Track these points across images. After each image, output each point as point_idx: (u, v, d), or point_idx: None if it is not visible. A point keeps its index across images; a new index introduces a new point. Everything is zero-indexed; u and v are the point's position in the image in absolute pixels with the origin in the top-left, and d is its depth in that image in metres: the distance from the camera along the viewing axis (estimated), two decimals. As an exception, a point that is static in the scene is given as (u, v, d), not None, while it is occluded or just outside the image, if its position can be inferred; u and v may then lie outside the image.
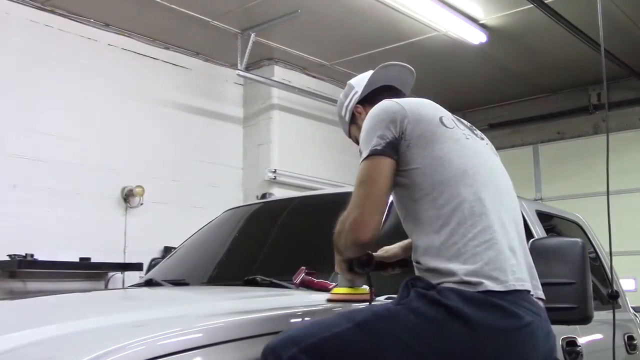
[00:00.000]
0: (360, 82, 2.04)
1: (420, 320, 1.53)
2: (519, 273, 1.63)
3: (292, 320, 1.73)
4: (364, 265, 1.85)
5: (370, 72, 2.05)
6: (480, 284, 1.55)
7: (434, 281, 1.59)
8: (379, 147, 1.68)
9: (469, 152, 1.75)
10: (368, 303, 1.82)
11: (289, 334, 1.56)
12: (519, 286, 1.60)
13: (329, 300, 1.91)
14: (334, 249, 1.81)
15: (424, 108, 1.78)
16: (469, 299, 1.53)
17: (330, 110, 6.92)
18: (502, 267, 1.59)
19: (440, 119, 1.77)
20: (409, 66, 2.06)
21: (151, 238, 5.51)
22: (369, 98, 1.98)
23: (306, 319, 1.76)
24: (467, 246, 1.60)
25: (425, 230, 1.66)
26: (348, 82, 2.09)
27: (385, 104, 1.78)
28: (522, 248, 1.72)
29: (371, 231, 1.66)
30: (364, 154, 1.71)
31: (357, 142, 1.95)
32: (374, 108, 1.80)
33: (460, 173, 1.68)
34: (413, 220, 1.70)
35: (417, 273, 1.70)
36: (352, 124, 2.04)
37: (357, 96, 2.01)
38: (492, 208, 1.67)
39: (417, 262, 1.68)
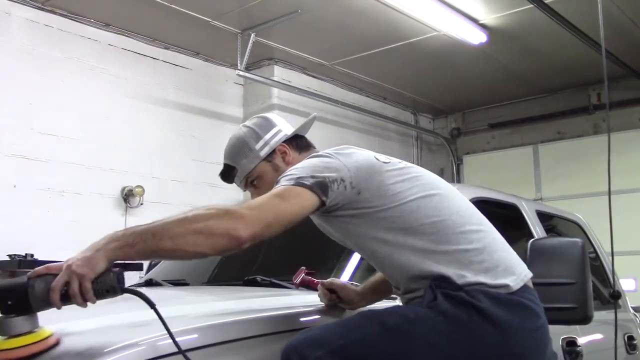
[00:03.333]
0: (279, 121, 1.95)
1: (450, 322, 1.52)
2: (522, 263, 1.70)
3: (293, 321, 1.73)
4: (123, 283, 1.38)
5: (274, 115, 1.99)
6: (506, 286, 1.58)
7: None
8: (306, 182, 1.56)
9: (418, 175, 1.72)
10: (54, 347, 1.33)
11: (312, 334, 1.52)
12: (528, 274, 1.67)
13: None
14: (117, 249, 1.38)
15: (356, 154, 1.71)
16: (498, 300, 1.55)
17: (331, 110, 6.93)
18: (510, 264, 1.64)
19: (375, 157, 1.72)
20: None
21: (151, 238, 5.50)
22: (293, 141, 1.92)
23: (311, 318, 1.75)
24: (472, 257, 1.60)
25: (414, 261, 1.59)
26: (261, 115, 1.98)
27: (318, 157, 1.69)
28: (505, 242, 1.74)
29: (257, 235, 1.44)
30: (286, 183, 1.57)
31: (251, 184, 1.88)
32: (307, 159, 1.70)
33: (425, 197, 1.66)
34: (391, 256, 1.62)
35: (405, 302, 1.66)
36: (267, 161, 1.87)
37: (282, 134, 1.90)
38: (469, 216, 1.70)
39: (413, 290, 1.62)
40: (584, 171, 7.19)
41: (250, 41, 5.84)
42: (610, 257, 2.90)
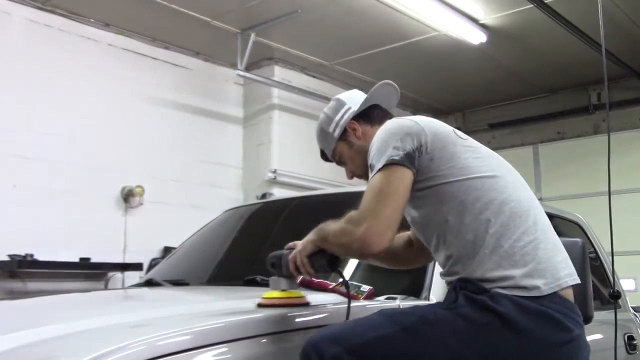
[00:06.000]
0: (352, 98, 1.99)
1: (470, 327, 1.50)
2: (568, 268, 1.66)
3: (292, 321, 1.72)
4: (334, 265, 1.74)
5: (356, 90, 2.05)
6: (536, 288, 1.55)
7: (486, 286, 1.56)
8: (396, 157, 1.63)
9: (489, 157, 1.77)
10: (305, 306, 1.78)
11: (330, 331, 1.54)
12: (570, 281, 1.63)
13: (260, 306, 1.75)
14: (318, 240, 1.71)
15: (436, 122, 1.77)
16: (522, 307, 1.52)
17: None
18: (552, 266, 1.61)
19: (454, 131, 1.78)
20: (396, 86, 2.07)
21: (151, 238, 5.50)
22: (364, 115, 1.95)
23: (311, 318, 1.75)
24: (515, 248, 1.59)
25: (465, 239, 1.62)
26: (335, 97, 2.03)
27: (397, 121, 1.76)
28: (560, 243, 1.72)
29: (385, 244, 1.58)
30: (380, 164, 1.64)
31: (340, 162, 1.99)
32: (385, 124, 1.77)
33: (491, 177, 1.68)
34: (448, 231, 1.65)
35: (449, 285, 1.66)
36: (342, 140, 1.95)
37: (351, 112, 1.95)
38: (528, 207, 1.69)
39: (453, 273, 1.63)
40: (584, 171, 7.19)
41: (250, 41, 5.83)
42: (610, 257, 2.90)
